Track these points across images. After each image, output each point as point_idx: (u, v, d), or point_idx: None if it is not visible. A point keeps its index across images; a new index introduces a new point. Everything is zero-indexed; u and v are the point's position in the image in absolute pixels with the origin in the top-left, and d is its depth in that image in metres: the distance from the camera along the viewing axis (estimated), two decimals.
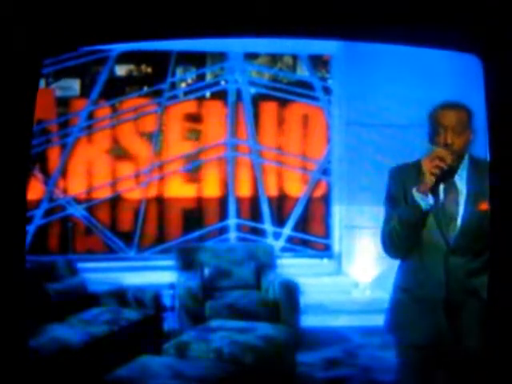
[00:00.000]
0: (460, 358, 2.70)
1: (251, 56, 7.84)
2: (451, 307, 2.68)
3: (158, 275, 6.51)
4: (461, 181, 2.73)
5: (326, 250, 7.79)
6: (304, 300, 5.82)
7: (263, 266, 6.31)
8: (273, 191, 7.74)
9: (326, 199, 7.79)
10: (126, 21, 2.12)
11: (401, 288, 2.85)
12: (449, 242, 2.68)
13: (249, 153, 7.66)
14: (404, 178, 2.83)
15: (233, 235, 7.65)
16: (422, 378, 2.82)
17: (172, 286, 5.92)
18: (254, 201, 7.71)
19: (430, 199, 2.66)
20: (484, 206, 2.65)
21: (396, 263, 2.96)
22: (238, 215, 7.68)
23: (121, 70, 8.08)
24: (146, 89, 7.87)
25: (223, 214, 7.69)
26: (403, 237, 2.77)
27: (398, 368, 2.94)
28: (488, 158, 2.42)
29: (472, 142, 2.74)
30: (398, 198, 2.82)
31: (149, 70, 8.28)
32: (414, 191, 2.67)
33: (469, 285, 2.67)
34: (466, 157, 2.75)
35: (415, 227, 2.72)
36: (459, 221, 2.69)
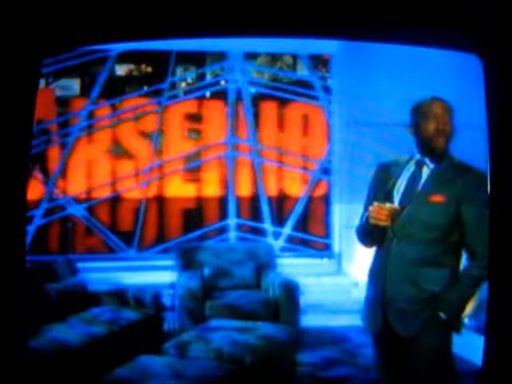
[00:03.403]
0: (394, 343, 2.81)
1: (251, 56, 7.83)
2: (388, 293, 2.79)
3: (158, 275, 6.51)
4: (425, 173, 2.84)
5: (325, 250, 7.79)
6: (304, 300, 5.82)
7: (263, 265, 6.31)
8: (273, 191, 7.74)
9: (327, 199, 7.79)
10: (126, 21, 2.12)
11: (367, 276, 3.00)
12: (394, 229, 2.79)
13: (249, 152, 7.66)
14: (378, 175, 3.01)
15: (233, 235, 7.65)
16: (380, 363, 2.98)
17: (172, 285, 5.92)
18: (254, 200, 7.71)
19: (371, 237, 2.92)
20: (437, 198, 2.75)
21: None
22: (238, 215, 7.68)
23: (121, 70, 8.08)
24: (146, 88, 7.87)
25: (223, 214, 7.68)
26: (365, 240, 3.02)
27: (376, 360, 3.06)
28: (466, 162, 2.67)
29: (452, 137, 2.81)
30: (369, 194, 3.00)
31: (149, 69, 8.27)
32: (364, 219, 2.88)
33: (410, 274, 2.75)
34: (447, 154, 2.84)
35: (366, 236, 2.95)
36: (409, 209, 2.79)
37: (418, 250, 2.75)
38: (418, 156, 2.86)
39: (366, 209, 2.97)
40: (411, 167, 2.88)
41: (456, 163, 2.82)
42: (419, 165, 2.85)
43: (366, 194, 3.05)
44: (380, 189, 2.93)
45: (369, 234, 2.90)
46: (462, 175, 2.76)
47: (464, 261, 2.83)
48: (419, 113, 2.83)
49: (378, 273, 2.85)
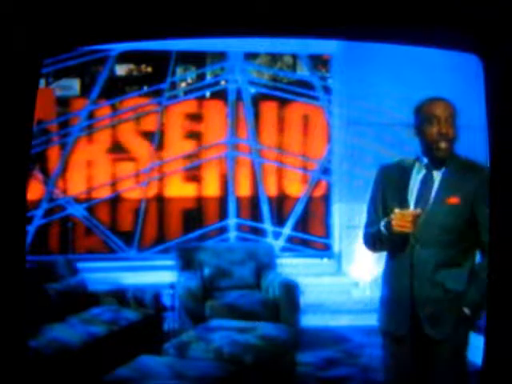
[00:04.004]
0: (423, 345, 2.80)
1: (251, 56, 7.83)
2: (416, 298, 2.77)
3: (158, 275, 6.51)
4: (437, 175, 2.81)
5: (325, 250, 7.78)
6: (304, 300, 5.82)
7: (263, 265, 6.31)
8: (273, 191, 7.73)
9: (327, 199, 7.79)
10: (126, 21, 2.12)
11: (382, 281, 2.98)
12: (416, 234, 2.76)
13: (249, 152, 7.66)
14: (383, 176, 2.96)
15: (233, 235, 7.65)
16: (397, 364, 2.93)
17: (172, 285, 5.92)
18: (254, 200, 7.71)
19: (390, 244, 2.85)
20: (453, 199, 2.74)
21: None
22: (238, 215, 7.68)
23: (121, 70, 8.08)
24: (146, 88, 7.87)
25: (223, 214, 7.68)
26: (376, 245, 2.96)
27: (383, 361, 3.02)
28: (473, 159, 2.65)
29: (456, 139, 2.81)
30: (376, 196, 2.95)
31: (149, 69, 8.27)
32: (382, 226, 2.81)
33: (434, 277, 2.75)
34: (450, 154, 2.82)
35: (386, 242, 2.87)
36: (427, 212, 2.77)
37: (437, 253, 2.75)
38: (425, 159, 2.85)
39: (370, 212, 2.96)
40: (422, 170, 2.85)
41: (465, 163, 2.81)
42: (429, 168, 2.83)
43: (369, 196, 3.01)
44: (391, 193, 2.90)
45: (387, 241, 2.84)
46: (474, 175, 2.75)
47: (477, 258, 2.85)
48: (422, 115, 2.82)
49: (400, 278, 2.83)
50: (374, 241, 2.95)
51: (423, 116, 2.82)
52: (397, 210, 2.74)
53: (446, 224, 2.74)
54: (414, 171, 2.86)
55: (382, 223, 2.81)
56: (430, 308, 2.76)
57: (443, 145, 2.76)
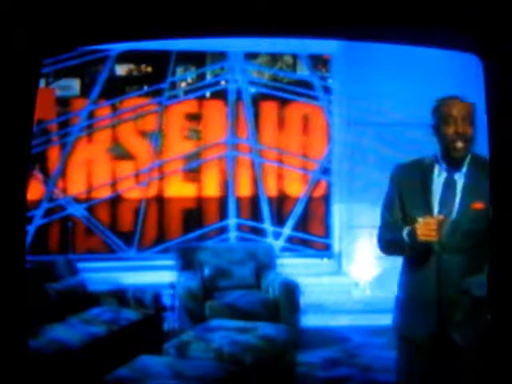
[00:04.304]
0: (450, 354, 2.72)
1: (251, 56, 7.84)
2: (443, 306, 2.68)
3: (158, 275, 6.51)
4: (460, 178, 2.73)
5: (325, 250, 7.78)
6: (304, 300, 5.82)
7: (263, 265, 6.31)
8: (273, 191, 7.74)
9: (326, 199, 7.79)
10: (126, 21, 2.12)
11: (401, 286, 2.88)
12: (442, 240, 2.68)
13: (249, 152, 7.66)
14: (401, 177, 2.86)
15: (233, 235, 7.65)
16: (417, 373, 2.83)
17: (172, 285, 5.92)
18: (254, 200, 7.71)
19: (413, 252, 2.73)
20: (478, 205, 2.66)
21: (396, 263, 2.97)
22: (238, 215, 7.68)
23: (121, 70, 8.08)
24: (146, 88, 7.87)
25: (223, 214, 7.68)
26: (395, 251, 2.86)
27: (397, 365, 2.96)
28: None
29: (474, 139, 2.75)
30: (393, 195, 2.85)
31: (149, 69, 8.27)
32: (405, 235, 2.70)
33: (461, 283, 2.67)
34: (469, 154, 2.73)
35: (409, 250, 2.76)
36: (453, 219, 2.68)
37: (463, 259, 2.67)
38: (444, 161, 2.75)
39: (385, 215, 2.86)
40: (442, 173, 2.76)
41: (486, 163, 2.74)
42: (450, 170, 2.74)
43: (384, 198, 2.90)
44: (410, 196, 2.79)
45: (410, 249, 2.72)
46: None
47: None
48: (438, 114, 2.72)
49: (425, 285, 2.72)
50: (394, 248, 2.84)
51: (440, 116, 2.72)
52: (420, 219, 2.64)
53: (472, 230, 2.65)
54: (435, 173, 2.77)
55: (405, 232, 2.70)
56: (458, 314, 2.67)
57: (460, 144, 2.68)
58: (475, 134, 2.73)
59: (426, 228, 2.62)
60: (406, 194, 2.80)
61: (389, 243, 2.85)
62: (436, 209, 2.71)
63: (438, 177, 2.76)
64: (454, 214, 2.68)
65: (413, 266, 2.80)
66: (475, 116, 2.73)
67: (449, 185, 2.73)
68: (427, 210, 2.70)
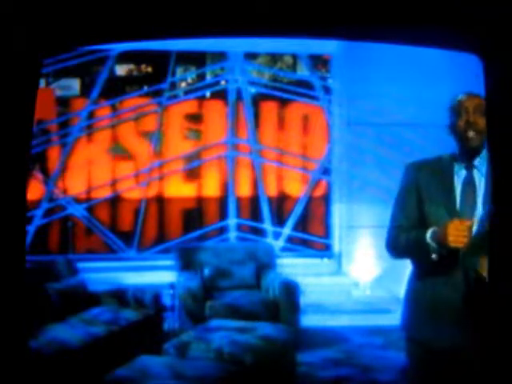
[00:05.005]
0: (471, 361, 2.58)
1: (251, 56, 7.84)
2: (469, 310, 2.57)
3: (158, 275, 6.51)
4: (479, 177, 2.66)
5: (325, 250, 7.79)
6: (304, 300, 5.82)
7: (263, 265, 6.31)
8: (273, 191, 7.74)
9: (326, 199, 7.79)
10: (126, 21, 2.12)
11: (416, 291, 2.77)
12: (468, 245, 2.55)
13: (249, 152, 7.66)
14: (419, 174, 2.76)
15: (233, 235, 7.65)
16: (430, 379, 2.75)
17: (172, 285, 5.92)
18: (254, 200, 7.71)
19: (437, 256, 2.59)
20: None
21: (396, 263, 2.95)
22: (238, 215, 7.68)
23: (121, 70, 8.08)
24: (146, 88, 7.87)
25: (223, 214, 7.69)
26: (410, 255, 2.76)
27: (407, 370, 2.89)
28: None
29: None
30: (408, 194, 2.76)
31: (149, 69, 8.27)
32: (429, 238, 2.58)
33: (485, 286, 2.52)
34: (485, 152, 2.64)
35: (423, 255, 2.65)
36: (477, 220, 2.58)
37: (487, 262, 2.50)
38: (462, 159, 2.68)
39: (398, 217, 2.75)
40: (461, 172, 2.68)
41: None
42: (469, 169, 2.66)
43: (397, 198, 2.81)
44: (431, 197, 2.69)
45: (435, 253, 2.59)
46: None
47: None
48: (452, 111, 2.67)
49: (449, 289, 2.60)
50: (412, 251, 2.71)
51: (452, 111, 2.67)
52: (449, 223, 2.51)
53: None
54: (454, 172, 2.69)
55: (429, 235, 2.58)
56: (484, 321, 2.47)
57: (471, 134, 2.61)
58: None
59: (457, 233, 2.50)
60: (426, 193, 2.71)
61: (405, 246, 2.74)
62: (458, 209, 2.63)
63: (458, 176, 2.69)
64: (477, 214, 2.61)
65: (431, 271, 2.67)
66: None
67: (469, 183, 2.66)
68: (451, 210, 2.63)
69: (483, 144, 2.65)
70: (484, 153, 2.66)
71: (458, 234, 2.49)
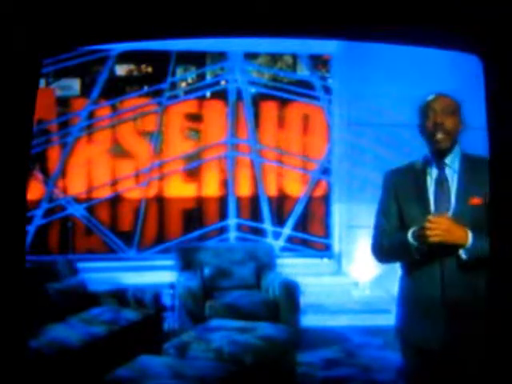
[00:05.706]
0: (456, 359, 2.65)
1: (251, 56, 7.84)
2: (449, 306, 2.61)
3: (158, 275, 6.51)
4: (452, 174, 2.70)
5: (325, 250, 7.79)
6: (304, 300, 5.82)
7: (263, 265, 6.31)
8: (273, 191, 7.74)
9: (326, 199, 7.80)
10: (126, 21, 2.12)
11: (402, 290, 2.81)
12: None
13: (249, 152, 7.66)
14: (395, 182, 2.83)
15: (233, 235, 7.65)
16: (424, 379, 2.77)
17: (172, 285, 5.92)
18: (254, 200, 7.71)
19: (419, 254, 2.64)
20: (476, 200, 2.62)
21: (395, 263, 2.95)
22: (238, 215, 7.68)
23: (121, 70, 8.09)
24: (146, 88, 7.88)
25: (223, 214, 7.69)
26: (394, 257, 2.82)
27: (403, 370, 2.91)
28: (484, 156, 2.38)
29: (461, 133, 2.72)
30: (388, 200, 2.82)
31: (149, 69, 8.28)
32: (411, 238, 2.63)
33: (466, 282, 2.60)
34: (457, 149, 2.71)
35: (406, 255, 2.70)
36: (451, 214, 2.63)
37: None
38: (433, 159, 2.73)
39: (381, 223, 2.80)
40: (434, 172, 2.72)
41: (478, 160, 2.67)
42: (440, 167, 2.70)
43: (378, 205, 2.85)
44: (407, 200, 2.74)
45: (416, 252, 2.64)
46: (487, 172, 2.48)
47: None
48: (420, 111, 2.76)
49: (430, 288, 2.64)
50: (395, 253, 2.77)
51: (421, 112, 2.73)
52: (431, 217, 2.57)
53: (470, 226, 2.59)
54: (427, 174, 2.73)
55: (410, 234, 2.63)
56: (464, 316, 2.59)
57: (439, 135, 2.65)
58: (459, 128, 2.70)
59: (435, 228, 2.55)
60: (402, 198, 2.77)
61: (389, 249, 2.78)
62: (433, 209, 2.67)
63: (431, 176, 2.73)
64: (451, 212, 2.64)
65: (414, 269, 2.73)
66: (459, 111, 2.70)
67: (441, 182, 2.70)
68: (425, 211, 2.66)
69: (452, 144, 2.70)
70: (456, 149, 2.71)
71: (434, 228, 2.55)
